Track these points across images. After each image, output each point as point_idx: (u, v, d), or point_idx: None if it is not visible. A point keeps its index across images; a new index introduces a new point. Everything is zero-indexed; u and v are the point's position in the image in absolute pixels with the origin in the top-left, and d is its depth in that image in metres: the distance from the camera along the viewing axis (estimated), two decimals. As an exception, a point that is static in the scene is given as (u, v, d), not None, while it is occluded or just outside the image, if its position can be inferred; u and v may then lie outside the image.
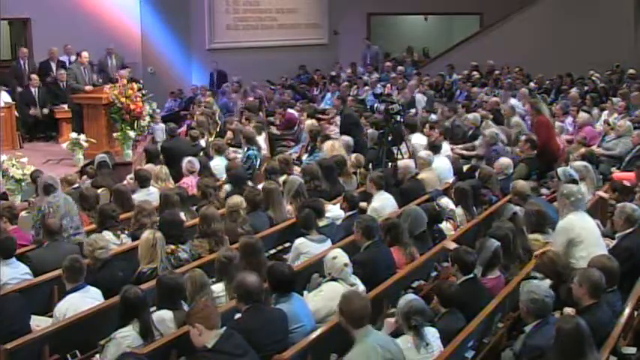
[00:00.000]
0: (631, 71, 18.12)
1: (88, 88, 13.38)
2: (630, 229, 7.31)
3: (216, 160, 11.51)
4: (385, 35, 23.80)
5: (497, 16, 22.03)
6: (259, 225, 8.43)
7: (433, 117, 14.15)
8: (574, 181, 8.51)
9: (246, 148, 11.92)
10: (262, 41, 21.46)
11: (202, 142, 12.68)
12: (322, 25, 23.18)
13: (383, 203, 8.97)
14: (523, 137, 11.60)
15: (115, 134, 12.88)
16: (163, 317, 5.89)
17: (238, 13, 21.78)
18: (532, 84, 17.64)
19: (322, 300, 6.35)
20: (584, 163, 9.68)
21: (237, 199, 8.34)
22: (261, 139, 13.28)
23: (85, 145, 12.15)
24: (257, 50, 20.78)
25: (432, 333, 5.65)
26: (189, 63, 20.72)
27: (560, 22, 20.39)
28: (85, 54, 13.96)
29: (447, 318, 5.99)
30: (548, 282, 6.50)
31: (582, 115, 13.27)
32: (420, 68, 21.53)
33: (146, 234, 6.98)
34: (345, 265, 6.41)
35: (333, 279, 6.40)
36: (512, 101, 15.38)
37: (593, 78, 17.82)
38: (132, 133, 12.86)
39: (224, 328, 5.27)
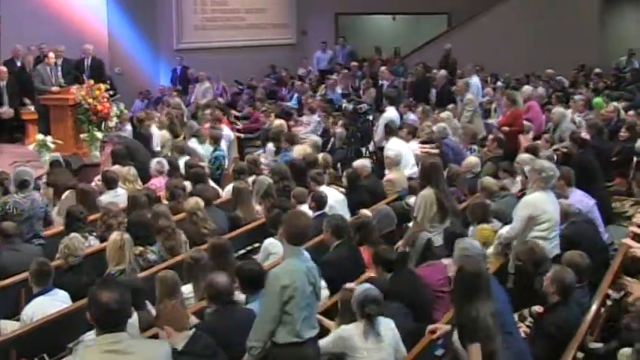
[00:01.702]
0: (597, 70, 18.34)
1: (55, 89, 13.24)
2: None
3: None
4: (353, 35, 23.83)
5: (464, 16, 22.21)
6: (216, 221, 8.50)
7: (412, 117, 14.18)
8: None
9: (213, 149, 11.90)
10: (230, 41, 21.38)
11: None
12: (290, 25, 23.15)
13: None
14: (491, 137, 11.72)
15: (82, 135, 12.77)
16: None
17: (206, 13, 21.70)
18: (499, 83, 17.78)
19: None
20: (531, 155, 9.90)
21: (193, 202, 8.39)
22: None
23: (52, 146, 12.03)
24: (225, 50, 20.72)
25: (385, 324, 5.69)
26: (157, 63, 20.62)
27: (527, 21, 20.60)
28: (51, 54, 13.80)
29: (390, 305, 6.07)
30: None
31: (556, 111, 13.15)
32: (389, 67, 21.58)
33: (114, 236, 6.95)
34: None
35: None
36: (474, 79, 15.56)
37: (557, 78, 18.01)
38: (99, 135, 12.76)
39: (193, 329, 5.27)
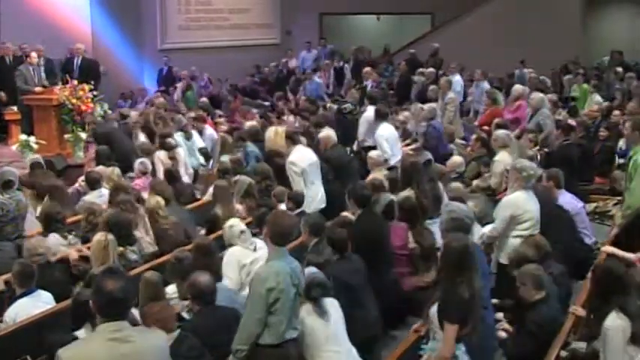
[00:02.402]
0: (580, 71, 18.45)
1: (38, 89, 13.19)
2: None
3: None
4: (338, 35, 23.86)
5: (448, 16, 22.29)
6: (180, 216, 8.61)
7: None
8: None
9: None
10: (215, 41, 21.38)
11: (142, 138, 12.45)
12: (274, 25, 23.19)
13: (301, 154, 9.39)
14: (474, 136, 11.77)
15: (66, 136, 12.73)
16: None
17: (190, 13, 21.69)
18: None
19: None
20: (506, 131, 10.10)
21: (152, 201, 8.50)
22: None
23: (36, 146, 11.99)
24: (209, 50, 20.70)
25: (329, 303, 5.82)
26: (141, 63, 20.58)
27: (510, 21, 20.73)
28: (33, 54, 13.75)
29: (341, 263, 6.26)
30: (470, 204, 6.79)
31: (535, 96, 12.89)
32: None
33: (98, 236, 6.94)
34: (242, 232, 6.71)
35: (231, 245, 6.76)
36: (457, 77, 15.62)
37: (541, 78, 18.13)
38: (83, 135, 12.73)
39: (178, 331, 5.27)
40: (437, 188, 7.78)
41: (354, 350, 5.85)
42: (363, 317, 6.29)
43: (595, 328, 5.13)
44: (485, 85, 15.54)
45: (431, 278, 7.29)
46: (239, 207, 8.96)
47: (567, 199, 8.63)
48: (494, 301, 6.33)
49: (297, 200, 8.72)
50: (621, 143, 11.05)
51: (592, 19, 22.76)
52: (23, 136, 12.14)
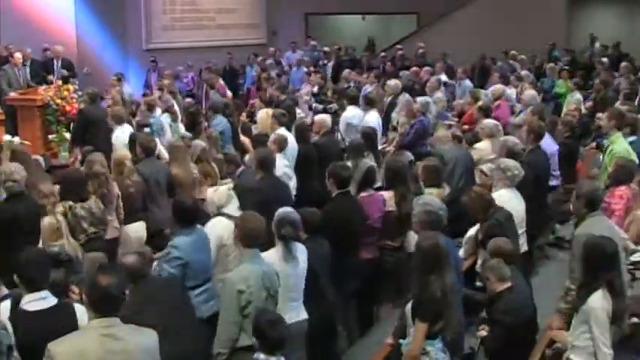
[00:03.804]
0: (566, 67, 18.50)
1: (20, 91, 13.13)
2: None
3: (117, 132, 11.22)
4: (323, 35, 23.86)
5: (433, 16, 22.34)
6: (153, 170, 8.57)
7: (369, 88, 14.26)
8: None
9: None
10: (200, 42, 21.35)
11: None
12: (260, 25, 23.18)
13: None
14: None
15: (50, 136, 12.67)
16: None
17: (175, 13, 21.67)
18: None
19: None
20: (493, 121, 10.16)
21: (121, 153, 8.57)
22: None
23: (20, 147, 11.91)
24: (195, 50, 20.62)
25: (300, 250, 5.94)
26: (126, 64, 20.49)
27: (495, 20, 20.82)
28: (17, 55, 13.70)
29: (308, 244, 6.25)
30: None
31: (527, 93, 13.08)
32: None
33: (48, 219, 6.84)
34: (229, 197, 6.70)
35: (220, 214, 6.64)
36: (443, 76, 15.65)
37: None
38: (68, 135, 12.67)
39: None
40: (419, 188, 7.79)
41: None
42: (320, 303, 6.30)
43: (582, 301, 5.13)
44: (467, 83, 15.54)
45: (399, 243, 7.53)
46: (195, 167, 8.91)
47: (547, 141, 9.10)
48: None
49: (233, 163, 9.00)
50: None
51: (578, 16, 22.92)
52: (7, 137, 12.06)
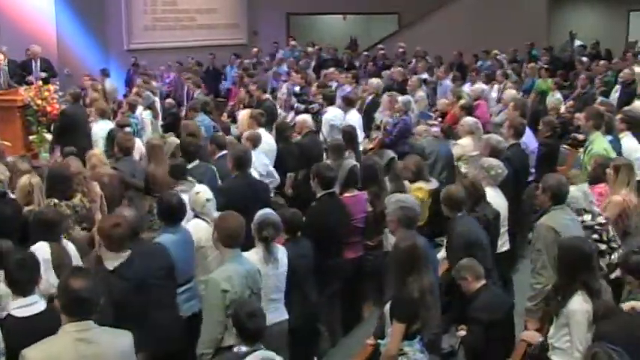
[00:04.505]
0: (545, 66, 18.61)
1: (1, 91, 13.02)
2: None
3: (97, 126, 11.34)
4: (306, 35, 23.86)
5: (414, 16, 22.40)
6: (130, 169, 8.66)
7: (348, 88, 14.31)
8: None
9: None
10: (181, 42, 21.32)
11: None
12: (241, 25, 23.18)
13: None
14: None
15: (31, 137, 12.58)
16: (38, 248, 5.88)
17: (156, 13, 21.62)
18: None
19: None
20: (474, 119, 10.21)
21: (97, 150, 8.78)
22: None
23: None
24: (176, 51, 20.55)
25: (281, 251, 5.99)
26: (107, 64, 20.36)
27: (476, 20, 20.87)
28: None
29: (289, 245, 6.30)
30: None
31: (508, 92, 13.05)
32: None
33: (23, 179, 6.91)
34: (207, 200, 6.59)
35: (197, 216, 6.60)
36: (424, 75, 15.70)
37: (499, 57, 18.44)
38: (48, 136, 12.59)
39: (128, 252, 5.30)
40: (402, 186, 7.81)
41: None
42: (303, 303, 6.35)
43: (562, 303, 5.17)
44: (448, 82, 15.59)
45: (376, 242, 7.57)
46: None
47: (529, 138, 9.37)
48: None
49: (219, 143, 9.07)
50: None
51: (558, 16, 23.06)
52: (-14, 138, 11.99)
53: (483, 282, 6.01)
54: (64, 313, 3.93)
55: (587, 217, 6.64)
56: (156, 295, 5.55)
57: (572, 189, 6.86)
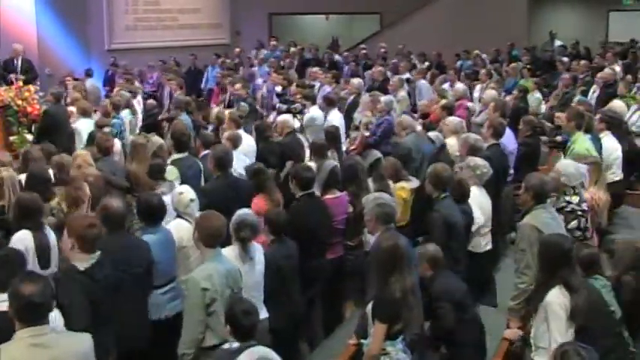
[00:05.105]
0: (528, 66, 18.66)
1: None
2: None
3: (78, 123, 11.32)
4: (289, 35, 23.85)
5: (396, 16, 22.44)
6: (110, 169, 8.65)
7: (328, 88, 14.33)
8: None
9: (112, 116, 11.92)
10: (163, 42, 21.23)
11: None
12: (224, 25, 23.12)
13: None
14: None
15: (11, 137, 12.50)
16: (21, 237, 5.94)
17: (138, 13, 21.53)
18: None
19: None
20: (459, 119, 10.23)
21: (82, 152, 8.64)
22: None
23: (-21, 149, 11.76)
24: (158, 51, 20.43)
25: (257, 249, 6.04)
26: (88, 64, 20.26)
27: (457, 20, 20.96)
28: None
29: (275, 245, 6.35)
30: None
31: (488, 93, 13.05)
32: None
33: None
34: (191, 200, 6.57)
35: (179, 216, 6.58)
36: (406, 74, 15.72)
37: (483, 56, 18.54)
38: (29, 137, 12.52)
39: (98, 253, 5.25)
40: (386, 186, 7.82)
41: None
42: (287, 303, 6.38)
43: (541, 297, 5.21)
44: (422, 82, 15.60)
45: (357, 242, 7.58)
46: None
47: (509, 138, 9.47)
48: None
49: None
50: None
51: (539, 16, 23.21)
52: (-33, 139, 11.91)
53: (438, 269, 6.02)
54: (16, 319, 3.86)
55: (575, 200, 6.74)
56: (127, 295, 5.55)
57: (568, 163, 6.96)
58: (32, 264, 5.72)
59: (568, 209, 6.70)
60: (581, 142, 8.73)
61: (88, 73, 16.85)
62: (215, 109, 12.84)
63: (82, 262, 5.11)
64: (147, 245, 5.94)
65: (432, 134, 9.28)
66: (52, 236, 6.23)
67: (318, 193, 7.62)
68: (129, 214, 6.60)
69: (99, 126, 10.75)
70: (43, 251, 6.01)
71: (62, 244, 5.84)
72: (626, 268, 5.52)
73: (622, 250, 5.72)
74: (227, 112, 11.49)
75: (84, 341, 4.10)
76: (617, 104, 11.13)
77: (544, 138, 11.12)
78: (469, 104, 12.92)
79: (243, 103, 13.42)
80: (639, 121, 11.41)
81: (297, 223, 6.75)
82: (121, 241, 5.74)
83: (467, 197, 7.03)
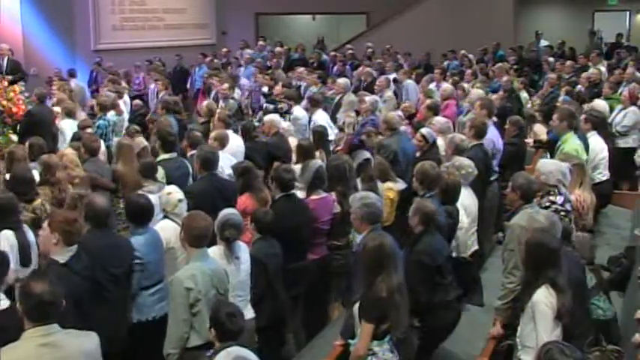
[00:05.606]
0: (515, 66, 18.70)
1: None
2: None
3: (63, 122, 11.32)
4: (275, 35, 23.85)
5: (382, 16, 22.48)
6: (97, 170, 8.62)
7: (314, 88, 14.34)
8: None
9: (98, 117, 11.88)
10: (149, 42, 21.14)
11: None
12: (210, 25, 23.08)
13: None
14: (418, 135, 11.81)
15: (-4, 139, 12.45)
16: (4, 236, 5.99)
17: (124, 13, 21.44)
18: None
19: None
20: (446, 119, 10.33)
21: (68, 151, 8.73)
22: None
23: (-36, 151, 11.69)
24: (144, 51, 20.38)
25: (242, 248, 6.06)
26: (73, 64, 20.16)
27: (444, 20, 21.01)
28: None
29: (261, 243, 6.40)
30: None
31: (474, 92, 12.86)
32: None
33: None
34: (180, 200, 6.58)
35: (166, 216, 6.57)
36: (393, 74, 15.75)
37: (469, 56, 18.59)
38: (14, 137, 12.45)
39: (76, 245, 5.27)
40: (374, 186, 7.82)
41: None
42: (272, 303, 6.40)
43: (527, 298, 5.23)
44: (409, 82, 15.62)
45: (344, 242, 7.58)
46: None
47: (494, 135, 9.49)
48: None
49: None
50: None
51: (524, 16, 23.32)
52: (-49, 140, 11.83)
53: (428, 226, 6.09)
54: (27, 318, 3.87)
55: (559, 200, 6.77)
56: (106, 294, 5.57)
57: (547, 161, 6.98)
58: (14, 262, 5.74)
59: (552, 209, 6.72)
60: (572, 142, 8.75)
61: (72, 74, 16.78)
62: (205, 102, 12.73)
63: (62, 255, 5.14)
64: (130, 245, 5.93)
65: (424, 130, 9.24)
66: (30, 234, 6.27)
67: (304, 193, 7.61)
68: (112, 215, 6.59)
69: (82, 127, 10.72)
70: (24, 249, 6.07)
71: (39, 241, 5.86)
72: None
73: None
74: (217, 110, 11.49)
75: (91, 340, 4.13)
76: (599, 104, 11.19)
77: (528, 140, 11.19)
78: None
79: (231, 101, 13.45)
80: (624, 121, 11.48)
81: (275, 225, 6.70)
82: (102, 239, 5.72)
83: (453, 200, 7.02)
